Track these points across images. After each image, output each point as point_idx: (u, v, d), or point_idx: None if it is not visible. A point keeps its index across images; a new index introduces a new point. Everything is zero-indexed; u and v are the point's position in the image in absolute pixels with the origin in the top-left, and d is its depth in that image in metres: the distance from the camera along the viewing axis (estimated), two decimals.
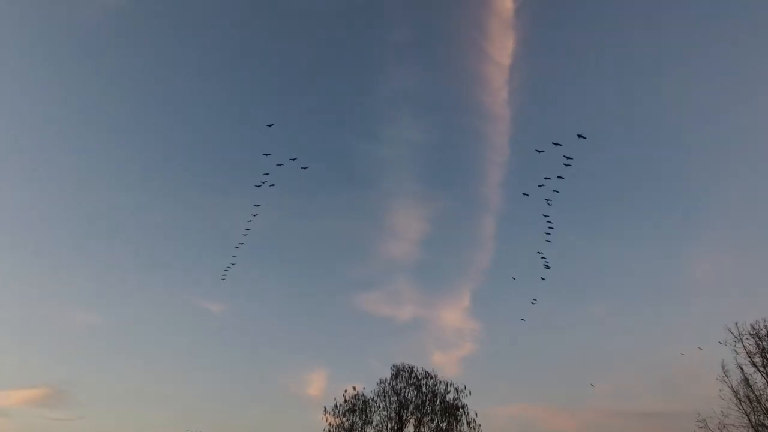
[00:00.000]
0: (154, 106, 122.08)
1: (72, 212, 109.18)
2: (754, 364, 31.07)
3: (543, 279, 49.92)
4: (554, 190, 43.83)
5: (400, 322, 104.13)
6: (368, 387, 39.65)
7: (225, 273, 59.12)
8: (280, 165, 51.08)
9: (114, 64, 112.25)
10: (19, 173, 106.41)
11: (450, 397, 38.28)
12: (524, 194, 47.67)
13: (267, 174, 51.70)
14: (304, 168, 52.60)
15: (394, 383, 39.30)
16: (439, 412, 37.51)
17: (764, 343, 30.94)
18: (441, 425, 36.94)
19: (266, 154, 51.70)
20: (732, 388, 31.47)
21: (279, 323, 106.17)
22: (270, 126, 76.80)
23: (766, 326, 31.12)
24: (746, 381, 31.04)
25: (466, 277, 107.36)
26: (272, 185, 52.37)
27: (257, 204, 54.82)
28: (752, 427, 30.07)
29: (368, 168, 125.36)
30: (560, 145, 41.99)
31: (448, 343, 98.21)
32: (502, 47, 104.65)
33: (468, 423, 36.59)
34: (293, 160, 50.19)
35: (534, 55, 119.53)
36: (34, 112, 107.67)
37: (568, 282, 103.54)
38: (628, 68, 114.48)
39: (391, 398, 38.65)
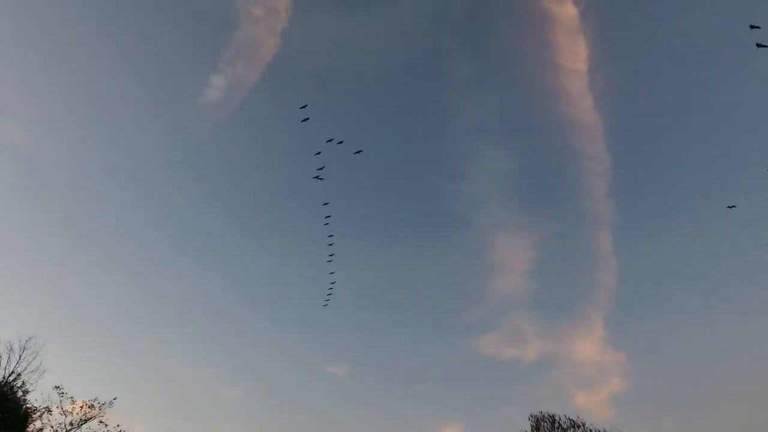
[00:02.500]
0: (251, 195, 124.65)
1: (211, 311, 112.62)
2: None
3: None
4: None
5: (527, 362, 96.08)
6: None
7: (327, 301, 63.80)
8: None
9: (215, 173, 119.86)
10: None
11: None
12: None
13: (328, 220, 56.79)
14: (357, 152, 56.03)
15: None
16: None
17: None
18: None
19: (325, 206, 56.75)
20: None
21: (401, 380, 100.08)
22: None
23: None
24: None
25: (593, 303, 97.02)
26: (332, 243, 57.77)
27: (330, 255, 60.55)
28: None
29: (460, 206, 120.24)
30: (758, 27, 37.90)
31: (591, 381, 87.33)
32: (574, 55, 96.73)
33: None
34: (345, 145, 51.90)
35: (611, 54, 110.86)
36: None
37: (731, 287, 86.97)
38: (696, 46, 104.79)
39: None
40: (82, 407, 41.08)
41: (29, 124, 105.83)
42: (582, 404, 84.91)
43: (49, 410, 40.21)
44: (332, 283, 63.39)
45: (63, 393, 40.45)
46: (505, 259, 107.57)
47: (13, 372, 39.20)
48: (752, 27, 38.87)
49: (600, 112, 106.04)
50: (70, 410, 40.70)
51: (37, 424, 40.27)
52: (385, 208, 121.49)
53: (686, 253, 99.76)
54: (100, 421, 41.14)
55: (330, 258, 61.04)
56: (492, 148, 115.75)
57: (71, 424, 40.56)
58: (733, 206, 51.40)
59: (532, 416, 34.61)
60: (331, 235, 59.19)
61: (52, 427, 40.21)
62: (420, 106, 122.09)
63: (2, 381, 38.74)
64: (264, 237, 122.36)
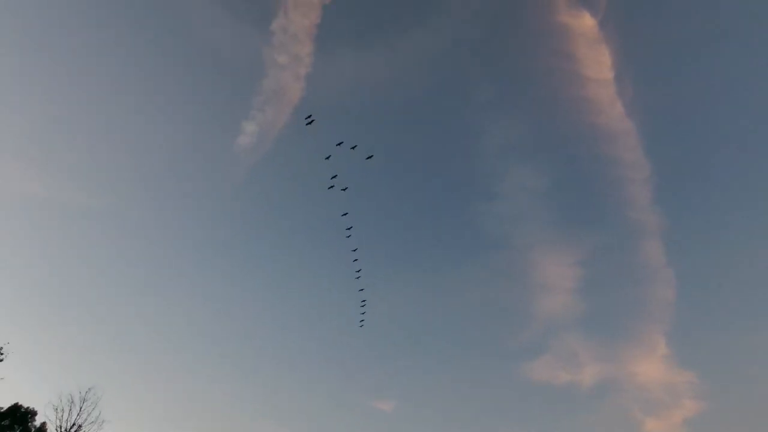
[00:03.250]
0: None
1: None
2: None
3: None
4: None
5: (585, 387, 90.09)
6: None
7: (362, 322, 64.62)
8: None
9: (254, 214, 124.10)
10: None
11: None
12: None
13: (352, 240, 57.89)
14: (369, 157, 55.63)
15: None
16: None
17: None
18: None
19: (353, 242, 57.44)
20: None
21: (451, 411, 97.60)
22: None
23: None
24: None
25: (650, 318, 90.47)
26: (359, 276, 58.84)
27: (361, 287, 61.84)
28: None
29: (496, 226, 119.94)
30: None
31: (660, 405, 79.55)
32: (598, 64, 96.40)
33: None
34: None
35: (636, 59, 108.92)
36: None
37: None
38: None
39: None
40: None
41: (79, 180, 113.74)
42: (653, 431, 78.20)
43: None
44: (363, 301, 63.79)
45: None
46: (549, 278, 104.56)
47: (74, 424, 39.54)
48: None
49: (632, 119, 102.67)
50: None
51: None
52: (420, 234, 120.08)
53: (751, 255, 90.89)
54: None
55: (361, 290, 62.66)
56: (523, 166, 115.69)
57: None
58: None
59: None
60: (359, 270, 60.57)
61: None
62: (447, 131, 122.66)
63: None
64: (297, 270, 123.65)
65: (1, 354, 35.73)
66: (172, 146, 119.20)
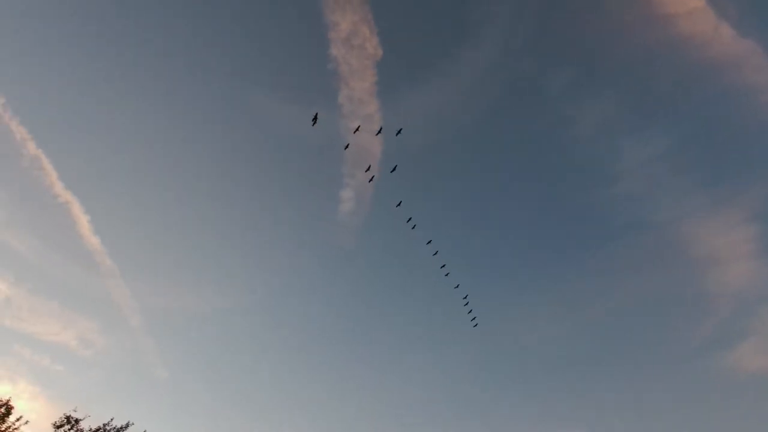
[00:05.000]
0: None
1: None
2: None
3: None
4: None
5: None
6: None
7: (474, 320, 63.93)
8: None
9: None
10: None
11: None
12: None
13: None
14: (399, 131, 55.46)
15: None
16: None
17: None
18: None
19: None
20: None
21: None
22: None
23: None
24: None
25: None
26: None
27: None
28: None
29: (627, 211, 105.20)
30: None
31: None
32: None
33: None
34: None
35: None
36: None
37: None
38: None
39: None
40: None
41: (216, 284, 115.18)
42: None
43: None
44: (465, 297, 61.99)
45: None
46: (715, 247, 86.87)
47: None
48: None
49: (749, 36, 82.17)
50: None
51: None
52: (542, 244, 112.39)
53: None
54: None
55: (456, 287, 60.94)
56: (634, 138, 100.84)
57: None
58: None
59: None
60: (443, 266, 60.34)
61: None
62: (532, 130, 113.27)
63: None
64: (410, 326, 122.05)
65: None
66: (286, 224, 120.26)
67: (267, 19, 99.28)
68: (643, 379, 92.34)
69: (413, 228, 56.82)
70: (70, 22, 76.49)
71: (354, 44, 69.26)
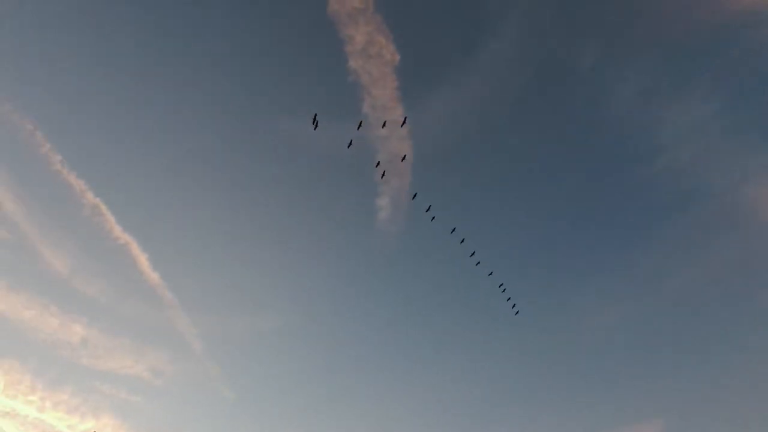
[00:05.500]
0: None
1: None
2: None
3: None
4: None
5: None
6: None
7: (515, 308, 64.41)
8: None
9: None
10: None
11: None
12: None
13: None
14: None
15: None
16: None
17: None
18: None
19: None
20: None
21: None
22: None
23: None
24: None
25: None
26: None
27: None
28: None
29: (678, 182, 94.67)
30: None
31: None
32: None
33: None
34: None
35: None
36: None
37: None
38: None
39: None
40: None
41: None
42: None
43: None
44: (501, 285, 61.38)
45: None
46: None
47: None
48: None
49: None
50: None
51: None
52: (604, 225, 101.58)
53: None
54: None
55: (490, 273, 60.51)
56: (674, 104, 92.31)
57: None
58: None
59: None
60: (473, 254, 59.80)
61: None
62: (566, 109, 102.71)
63: None
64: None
65: None
66: (334, 252, 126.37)
67: (288, 45, 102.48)
68: (726, 364, 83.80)
69: (461, 242, 56.59)
70: (119, 79, 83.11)
71: (371, 54, 70.73)
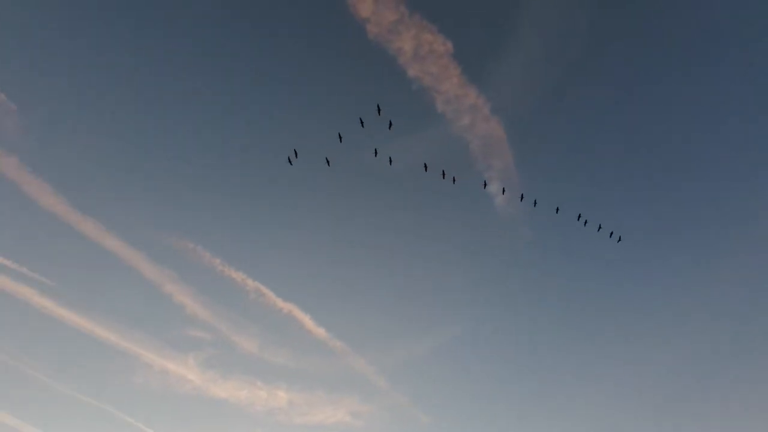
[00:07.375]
0: None
1: None
2: None
3: None
4: None
5: None
6: None
7: None
8: None
9: None
10: None
11: None
12: None
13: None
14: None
15: None
16: None
17: None
18: None
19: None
20: None
21: None
22: None
23: None
24: None
25: None
26: None
27: None
28: None
29: None
30: None
31: None
32: None
33: None
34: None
35: None
36: None
37: None
38: None
39: None
40: None
41: None
42: None
43: None
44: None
45: None
46: None
47: None
48: None
49: None
50: None
51: None
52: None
53: None
54: None
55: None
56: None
57: None
58: None
59: None
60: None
61: None
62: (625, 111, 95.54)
63: None
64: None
65: None
66: (467, 254, 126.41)
67: (348, 83, 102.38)
68: None
69: (618, 241, 53.59)
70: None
71: (423, 54, 72.45)
